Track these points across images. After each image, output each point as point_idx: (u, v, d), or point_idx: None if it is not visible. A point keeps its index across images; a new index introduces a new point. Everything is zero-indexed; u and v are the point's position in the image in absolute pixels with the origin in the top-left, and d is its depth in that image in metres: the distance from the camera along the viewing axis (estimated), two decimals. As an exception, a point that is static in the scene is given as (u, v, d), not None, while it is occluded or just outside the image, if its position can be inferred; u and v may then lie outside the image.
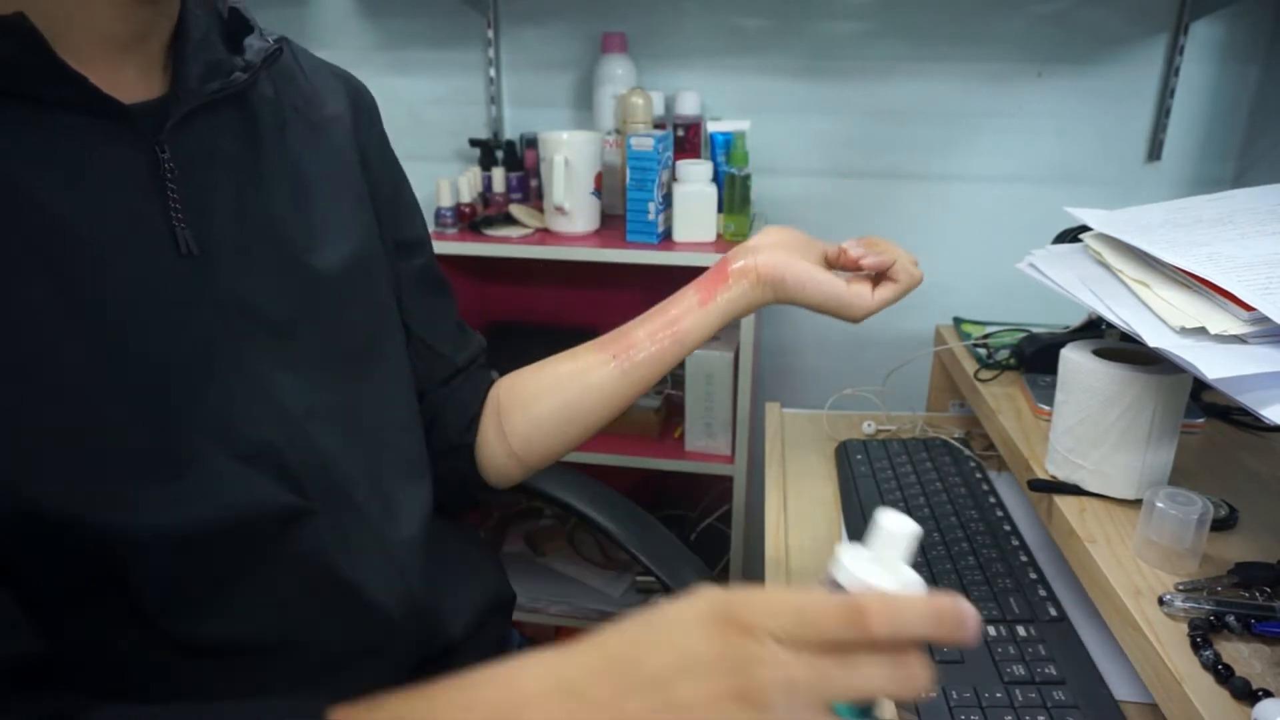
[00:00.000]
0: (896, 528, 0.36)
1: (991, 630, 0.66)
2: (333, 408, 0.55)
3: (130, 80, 0.47)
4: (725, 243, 1.28)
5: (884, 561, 0.36)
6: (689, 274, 0.69)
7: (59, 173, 0.43)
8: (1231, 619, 0.54)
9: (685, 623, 0.33)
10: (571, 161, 1.24)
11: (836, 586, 0.36)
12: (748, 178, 1.29)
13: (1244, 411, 0.71)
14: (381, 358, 0.61)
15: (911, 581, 0.36)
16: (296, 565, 0.51)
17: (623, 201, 1.31)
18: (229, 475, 0.47)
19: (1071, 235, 0.76)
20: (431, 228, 1.34)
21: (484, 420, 0.70)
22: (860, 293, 0.62)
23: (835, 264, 0.64)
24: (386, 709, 0.39)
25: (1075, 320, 0.92)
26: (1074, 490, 0.68)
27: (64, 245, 0.42)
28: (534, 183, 1.47)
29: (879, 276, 0.63)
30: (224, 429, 0.47)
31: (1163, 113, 1.36)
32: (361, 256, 0.59)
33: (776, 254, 0.63)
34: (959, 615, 0.32)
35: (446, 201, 1.35)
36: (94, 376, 0.42)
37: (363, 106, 0.64)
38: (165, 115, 0.47)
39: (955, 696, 0.59)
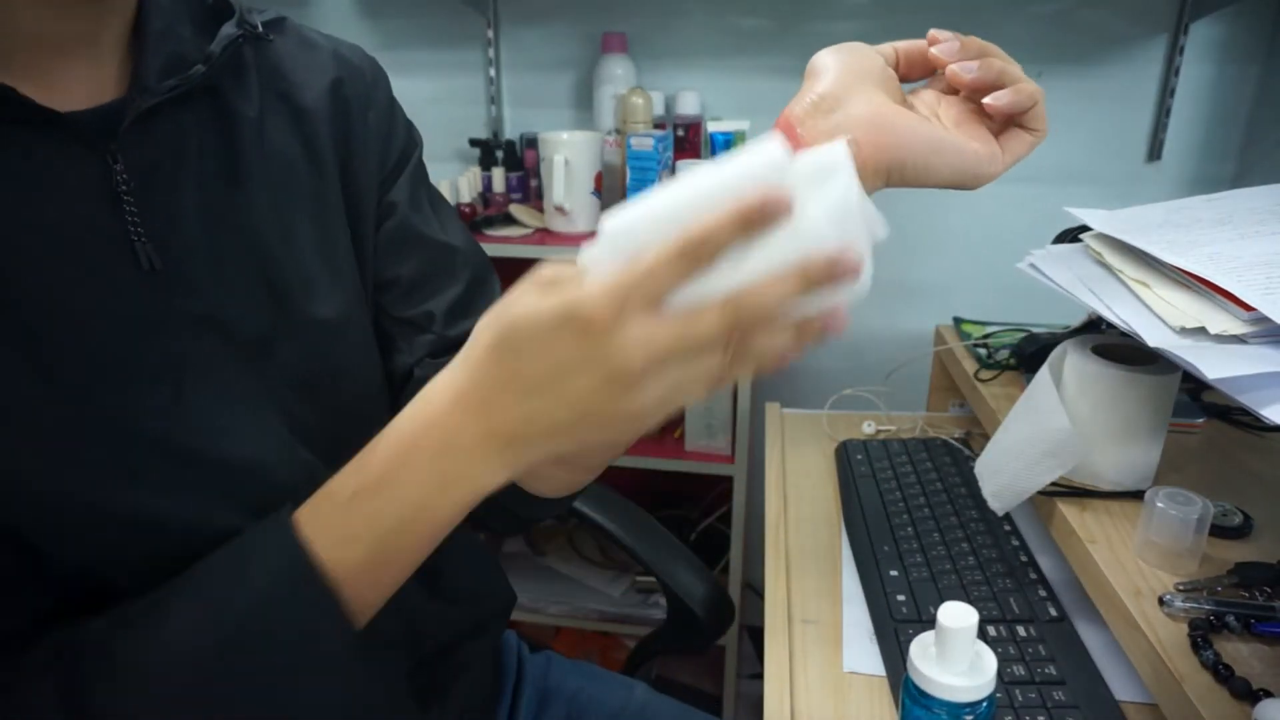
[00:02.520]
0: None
1: (991, 630, 0.66)
2: (317, 426, 0.51)
3: (79, 84, 0.43)
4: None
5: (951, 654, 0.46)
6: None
7: (3, 187, 0.40)
8: (1231, 619, 0.54)
9: (545, 333, 0.35)
10: (571, 161, 1.24)
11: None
12: (748, 178, 1.29)
13: (1244, 411, 0.71)
14: (360, 379, 0.57)
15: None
16: None
17: (623, 201, 1.31)
18: (214, 493, 0.45)
19: (1071, 235, 0.76)
20: (431, 228, 1.35)
21: None
22: (992, 156, 0.45)
23: (905, 74, 0.48)
24: (339, 493, 0.42)
25: (1075, 320, 0.92)
26: (1083, 492, 0.68)
27: (11, 266, 0.40)
28: (534, 183, 1.47)
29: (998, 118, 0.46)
30: (203, 447, 0.45)
31: (1163, 113, 1.35)
32: (335, 265, 0.54)
33: (882, 120, 0.43)
34: (764, 200, 0.33)
35: (446, 201, 1.35)
36: (51, 405, 0.40)
37: (351, 86, 0.56)
38: (121, 119, 0.43)
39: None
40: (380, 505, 0.41)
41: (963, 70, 0.44)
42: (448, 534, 0.42)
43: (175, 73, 0.45)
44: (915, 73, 0.47)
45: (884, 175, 0.43)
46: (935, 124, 0.45)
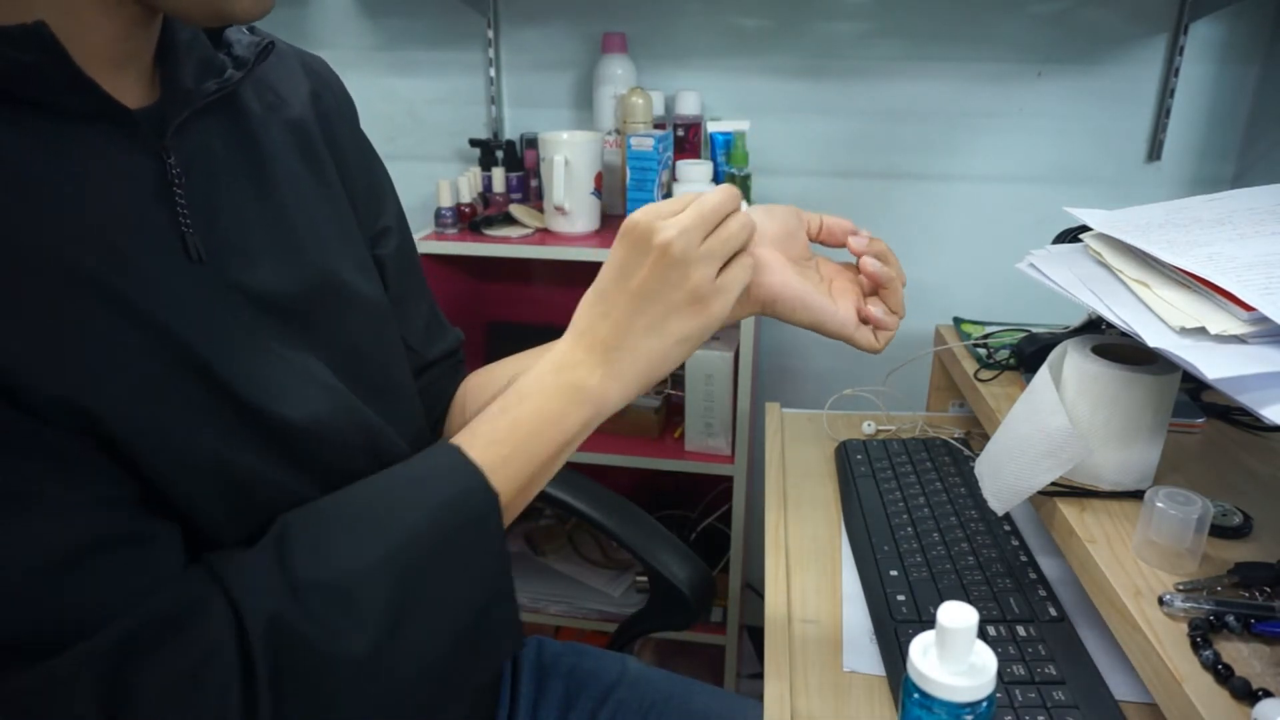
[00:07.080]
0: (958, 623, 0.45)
1: (991, 630, 0.66)
2: (371, 390, 0.56)
3: (129, 89, 0.47)
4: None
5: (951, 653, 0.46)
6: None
7: (74, 180, 0.42)
8: (1231, 619, 0.54)
9: (611, 255, 0.50)
10: (571, 161, 1.24)
11: None
12: (748, 178, 1.29)
13: (1244, 411, 0.71)
14: (389, 351, 0.62)
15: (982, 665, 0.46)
16: None
17: (623, 201, 1.31)
18: (281, 450, 0.49)
19: (1071, 235, 0.76)
20: (431, 228, 1.36)
21: (450, 415, 0.70)
22: (846, 321, 0.56)
23: (818, 239, 0.59)
24: (489, 410, 0.51)
25: (1075, 320, 0.92)
26: (1082, 492, 0.68)
27: (86, 249, 0.42)
28: (534, 183, 1.47)
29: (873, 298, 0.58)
30: (279, 410, 0.48)
31: (1163, 113, 1.36)
32: (357, 255, 0.60)
33: (768, 267, 0.55)
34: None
35: (446, 201, 1.35)
36: (152, 369, 0.43)
37: (328, 99, 0.62)
38: (163, 120, 0.47)
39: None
40: (519, 414, 0.50)
41: (870, 263, 0.56)
42: (575, 449, 0.52)
43: (207, 76, 0.50)
44: (831, 241, 0.59)
45: (759, 304, 0.56)
46: (812, 284, 0.56)
